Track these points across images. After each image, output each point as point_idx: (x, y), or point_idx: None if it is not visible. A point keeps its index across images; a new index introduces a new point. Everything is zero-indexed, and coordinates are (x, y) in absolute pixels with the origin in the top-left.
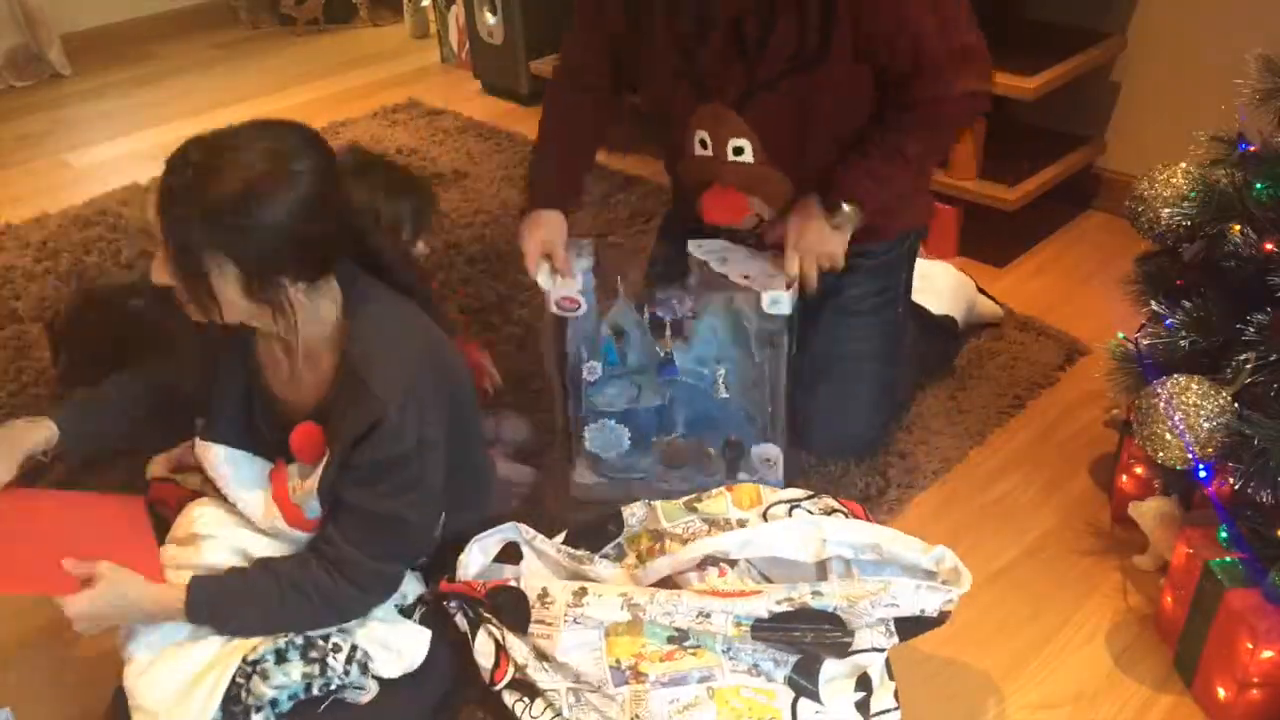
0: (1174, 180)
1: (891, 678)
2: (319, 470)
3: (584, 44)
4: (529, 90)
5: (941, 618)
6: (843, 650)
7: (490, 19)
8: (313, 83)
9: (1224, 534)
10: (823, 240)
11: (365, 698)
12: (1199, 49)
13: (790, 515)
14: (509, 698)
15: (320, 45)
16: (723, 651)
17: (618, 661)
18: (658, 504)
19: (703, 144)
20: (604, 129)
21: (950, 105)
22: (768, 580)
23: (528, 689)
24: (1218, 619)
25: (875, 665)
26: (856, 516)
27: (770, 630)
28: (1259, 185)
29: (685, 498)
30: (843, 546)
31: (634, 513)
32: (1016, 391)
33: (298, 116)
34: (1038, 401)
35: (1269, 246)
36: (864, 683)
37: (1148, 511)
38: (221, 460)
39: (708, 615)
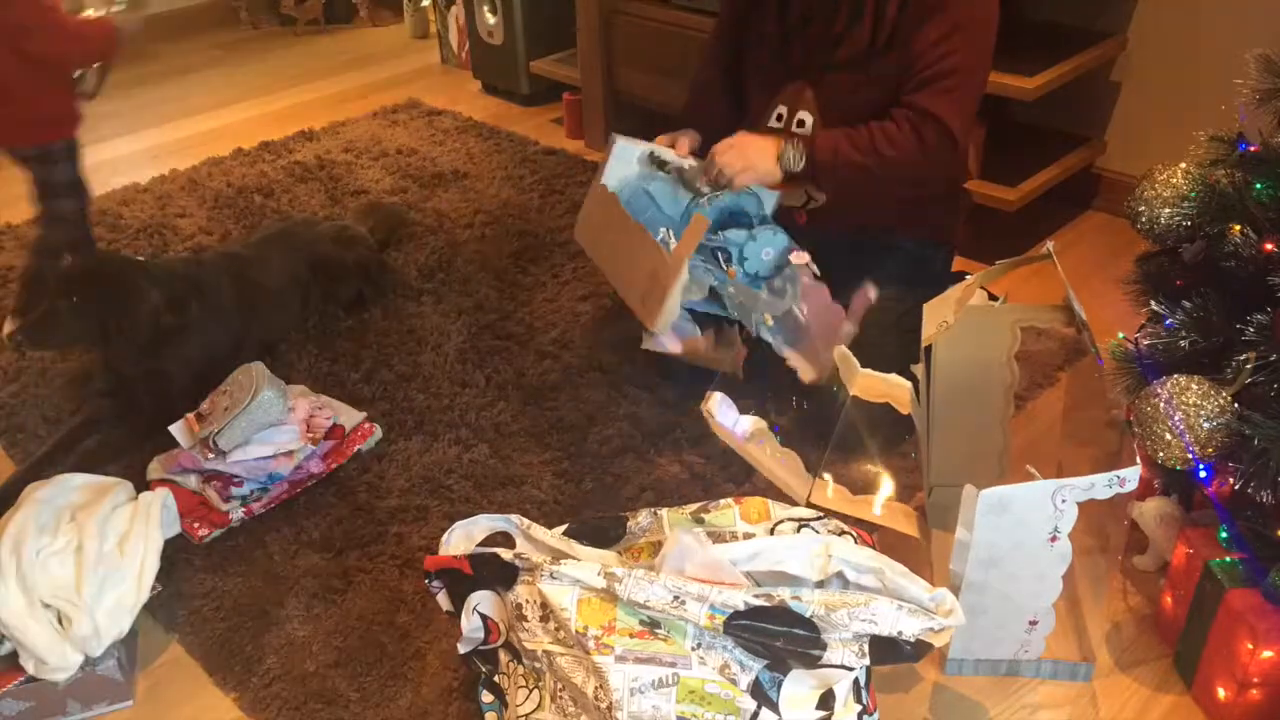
0: (1174, 180)
1: (858, 701)
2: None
3: (711, 57)
4: (529, 90)
5: (918, 650)
6: (812, 661)
7: (490, 19)
8: (313, 83)
9: (1224, 534)
10: (753, 155)
11: None
12: (1199, 49)
13: (798, 533)
14: (504, 656)
15: (320, 45)
16: (693, 648)
17: (585, 628)
18: (663, 512)
19: (779, 118)
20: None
21: (924, 123)
22: None
23: (513, 652)
24: (1218, 619)
25: (842, 684)
26: (865, 543)
27: (744, 626)
28: (1259, 185)
29: (692, 507)
30: (846, 565)
31: (639, 521)
32: (1016, 391)
33: (298, 116)
34: (1038, 401)
35: (1269, 246)
36: (826, 701)
37: (1148, 511)
38: None
39: (682, 602)
